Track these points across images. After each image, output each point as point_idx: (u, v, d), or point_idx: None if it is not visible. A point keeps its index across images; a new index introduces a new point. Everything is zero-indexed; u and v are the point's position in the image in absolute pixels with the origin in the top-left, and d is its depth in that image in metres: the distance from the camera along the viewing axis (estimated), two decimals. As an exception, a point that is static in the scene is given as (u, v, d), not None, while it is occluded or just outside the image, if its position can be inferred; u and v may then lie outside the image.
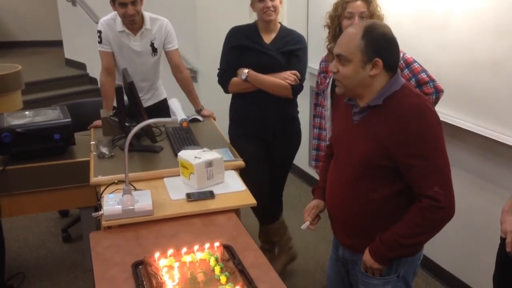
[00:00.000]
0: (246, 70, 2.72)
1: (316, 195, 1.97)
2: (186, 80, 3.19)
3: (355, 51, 1.58)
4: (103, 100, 3.11)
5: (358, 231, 1.76)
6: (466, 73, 2.54)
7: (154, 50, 3.13)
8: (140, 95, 3.15)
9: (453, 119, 2.63)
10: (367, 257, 1.72)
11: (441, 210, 1.58)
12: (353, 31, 1.61)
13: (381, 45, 1.58)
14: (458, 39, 2.55)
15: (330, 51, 2.46)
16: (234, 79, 2.79)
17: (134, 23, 2.98)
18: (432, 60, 2.69)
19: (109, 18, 3.07)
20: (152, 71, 3.21)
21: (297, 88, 2.73)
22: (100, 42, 3.09)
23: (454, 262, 2.93)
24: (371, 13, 2.30)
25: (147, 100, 3.28)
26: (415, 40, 2.79)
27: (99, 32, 3.08)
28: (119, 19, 3.02)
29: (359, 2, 2.30)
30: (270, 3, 2.65)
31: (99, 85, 3.24)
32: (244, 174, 2.45)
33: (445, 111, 2.62)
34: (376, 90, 1.62)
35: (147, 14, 3.07)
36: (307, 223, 1.90)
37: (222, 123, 3.08)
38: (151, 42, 3.10)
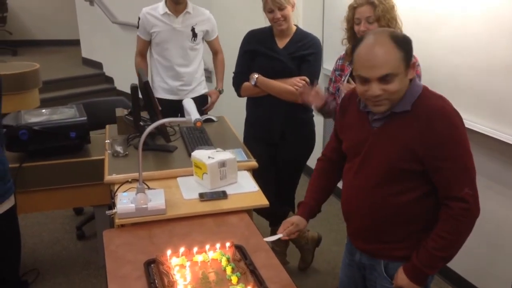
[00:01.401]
0: (256, 76, 2.74)
1: (299, 211, 1.92)
2: (219, 62, 3.54)
3: (398, 63, 1.52)
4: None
5: (378, 236, 1.73)
6: (482, 76, 2.51)
7: (194, 35, 3.30)
8: (180, 83, 3.36)
9: (468, 122, 2.58)
10: (404, 281, 1.66)
11: (470, 212, 1.58)
12: (383, 47, 1.52)
13: (410, 46, 1.58)
14: (474, 41, 2.52)
15: (347, 52, 2.46)
16: (246, 83, 2.82)
17: (179, 3, 3.19)
18: (448, 62, 2.67)
19: (150, 7, 3.30)
20: (191, 56, 3.34)
21: None
22: (138, 27, 3.34)
23: (468, 268, 2.89)
24: (377, 16, 2.25)
25: (188, 92, 3.38)
26: (431, 42, 2.76)
27: (139, 18, 3.32)
28: (161, 4, 3.26)
29: (364, 7, 2.28)
30: (279, 14, 2.66)
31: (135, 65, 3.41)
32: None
33: (460, 114, 2.59)
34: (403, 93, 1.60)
35: (190, 3, 3.29)
36: (277, 236, 1.83)
37: (237, 124, 3.09)
38: (192, 26, 3.27)
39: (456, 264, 2.95)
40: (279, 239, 1.85)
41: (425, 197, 1.64)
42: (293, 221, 1.87)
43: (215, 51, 3.53)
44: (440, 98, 1.61)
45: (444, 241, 1.59)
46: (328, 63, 3.81)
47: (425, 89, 1.63)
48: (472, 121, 2.59)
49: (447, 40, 2.68)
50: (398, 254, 1.70)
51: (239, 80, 2.85)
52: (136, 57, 3.42)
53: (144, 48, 3.38)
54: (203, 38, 3.39)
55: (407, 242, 1.68)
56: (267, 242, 1.86)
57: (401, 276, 1.68)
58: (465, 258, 2.86)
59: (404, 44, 1.55)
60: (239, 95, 2.91)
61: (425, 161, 1.57)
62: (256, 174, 2.46)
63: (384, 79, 1.53)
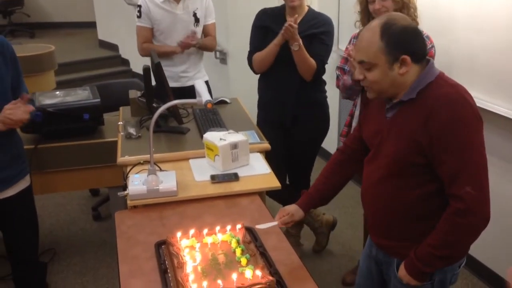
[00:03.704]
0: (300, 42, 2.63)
1: (300, 200, 1.84)
2: (208, 39, 3.30)
3: (377, 54, 1.47)
4: (158, 51, 3.10)
5: (389, 232, 1.68)
6: (501, 57, 2.44)
7: (197, 20, 3.21)
8: (182, 68, 3.27)
9: (486, 103, 2.53)
10: (402, 273, 1.63)
11: (470, 214, 1.46)
12: (369, 33, 1.49)
13: (404, 40, 1.47)
14: (492, 20, 2.45)
15: None
16: (255, 55, 2.76)
17: None
18: (467, 43, 2.61)
19: None
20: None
21: (318, 71, 2.70)
22: (139, 16, 3.19)
23: (488, 254, 2.85)
24: None
25: (189, 79, 3.30)
26: (449, 21, 2.69)
27: (139, 6, 3.18)
28: None
29: None
30: None
31: (142, 54, 3.27)
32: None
33: (478, 95, 2.54)
34: (409, 84, 1.53)
35: None
36: (271, 224, 1.76)
37: (250, 106, 3.07)
38: (194, 12, 3.18)
39: (476, 250, 2.91)
40: None
41: (434, 194, 1.56)
42: (290, 210, 1.80)
43: (208, 36, 3.32)
44: (452, 86, 1.51)
45: (441, 240, 1.52)
46: (344, 45, 3.75)
47: (440, 77, 1.53)
48: (490, 102, 2.53)
49: (465, 20, 2.61)
50: (409, 253, 1.62)
51: (251, 57, 2.82)
52: (140, 51, 3.25)
53: (149, 36, 3.21)
54: None
55: (418, 242, 1.59)
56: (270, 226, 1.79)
57: (401, 269, 1.64)
58: (484, 243, 2.82)
59: (393, 36, 1.46)
60: (254, 71, 2.87)
61: (427, 153, 1.49)
62: (269, 158, 2.44)
63: (362, 65, 1.52)
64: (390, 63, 1.48)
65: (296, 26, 2.53)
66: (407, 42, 1.48)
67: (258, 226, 1.75)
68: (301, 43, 2.59)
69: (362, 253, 1.95)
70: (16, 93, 2.18)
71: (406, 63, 1.48)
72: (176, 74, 3.28)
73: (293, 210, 1.81)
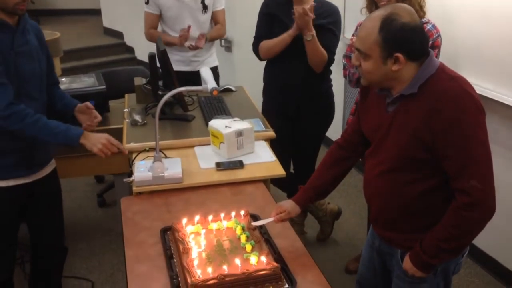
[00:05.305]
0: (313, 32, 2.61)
1: (296, 195, 1.82)
2: (217, 28, 3.33)
3: (373, 47, 1.46)
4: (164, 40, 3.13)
5: (393, 224, 1.68)
6: (507, 46, 2.42)
7: (205, 7, 3.22)
8: (193, 53, 3.28)
9: (492, 93, 2.52)
10: (408, 265, 1.63)
11: (477, 208, 1.46)
12: (370, 24, 1.47)
13: (400, 38, 1.45)
14: (500, 10, 2.43)
15: None
16: (263, 42, 2.75)
17: None
18: (474, 31, 2.59)
19: None
20: (204, 29, 3.26)
21: (328, 62, 2.69)
22: (147, 3, 3.23)
23: (491, 243, 2.85)
24: None
25: (200, 63, 3.31)
26: (455, 10, 2.68)
27: None
28: None
29: None
30: None
31: (148, 39, 3.32)
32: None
33: (483, 84, 2.53)
34: (407, 79, 1.51)
35: None
36: (268, 220, 1.74)
37: (256, 93, 3.07)
38: None
39: (479, 239, 2.91)
40: None
41: (437, 190, 1.55)
42: (286, 207, 1.78)
43: (217, 23, 3.35)
44: (453, 79, 1.49)
45: (448, 233, 1.52)
46: (350, 33, 3.73)
47: (440, 69, 1.51)
48: (495, 91, 2.52)
49: (472, 8, 2.59)
50: (413, 245, 1.62)
51: (256, 43, 2.80)
52: (147, 36, 3.32)
53: (155, 23, 3.28)
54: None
55: (422, 234, 1.59)
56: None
57: (406, 261, 1.64)
58: (488, 232, 2.82)
59: (390, 32, 1.44)
60: (260, 58, 2.86)
61: (431, 149, 1.48)
62: (274, 147, 2.44)
63: (359, 53, 1.52)
64: (383, 57, 1.47)
65: (312, 15, 2.50)
66: (404, 41, 1.46)
67: (254, 223, 1.74)
68: (315, 33, 2.56)
69: (365, 242, 1.95)
70: (49, 79, 2.21)
71: (399, 61, 1.47)
72: (188, 58, 3.30)
73: (290, 207, 1.78)
